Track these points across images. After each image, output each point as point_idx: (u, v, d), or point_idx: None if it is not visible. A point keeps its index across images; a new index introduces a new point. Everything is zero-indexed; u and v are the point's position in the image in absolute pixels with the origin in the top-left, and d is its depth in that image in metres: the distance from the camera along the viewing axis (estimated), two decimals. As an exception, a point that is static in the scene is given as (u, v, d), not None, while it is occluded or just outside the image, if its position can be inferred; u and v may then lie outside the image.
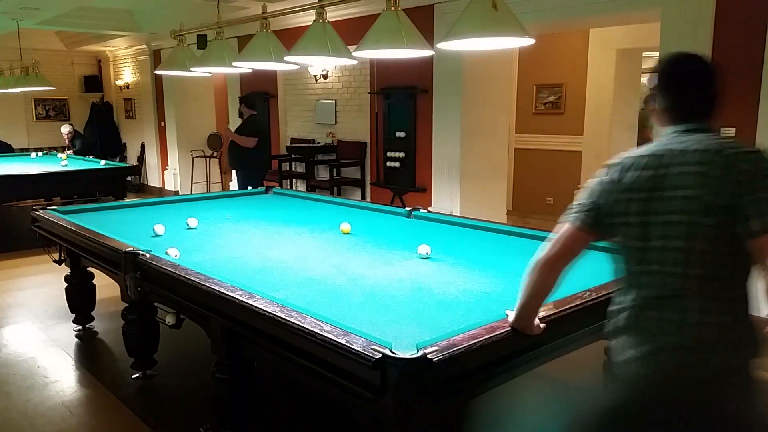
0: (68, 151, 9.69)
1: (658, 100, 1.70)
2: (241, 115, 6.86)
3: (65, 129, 10.17)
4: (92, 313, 4.24)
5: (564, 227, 1.73)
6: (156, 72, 8.19)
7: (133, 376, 3.45)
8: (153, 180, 11.39)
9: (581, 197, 1.73)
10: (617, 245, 1.69)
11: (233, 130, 6.87)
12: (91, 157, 8.48)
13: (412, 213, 4.02)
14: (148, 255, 2.85)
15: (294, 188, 8.09)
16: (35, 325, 4.36)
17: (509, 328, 1.90)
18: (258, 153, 6.73)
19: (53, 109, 11.97)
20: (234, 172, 7.37)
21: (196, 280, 2.45)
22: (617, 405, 1.66)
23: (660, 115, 1.71)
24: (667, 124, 1.68)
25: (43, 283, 5.30)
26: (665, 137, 1.66)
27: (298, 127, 8.45)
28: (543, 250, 1.75)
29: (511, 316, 1.93)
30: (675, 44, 4.39)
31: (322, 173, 7.96)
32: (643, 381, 1.59)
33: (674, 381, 1.55)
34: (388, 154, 6.92)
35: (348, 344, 1.74)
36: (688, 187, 1.52)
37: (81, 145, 10.04)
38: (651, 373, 1.57)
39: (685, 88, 1.66)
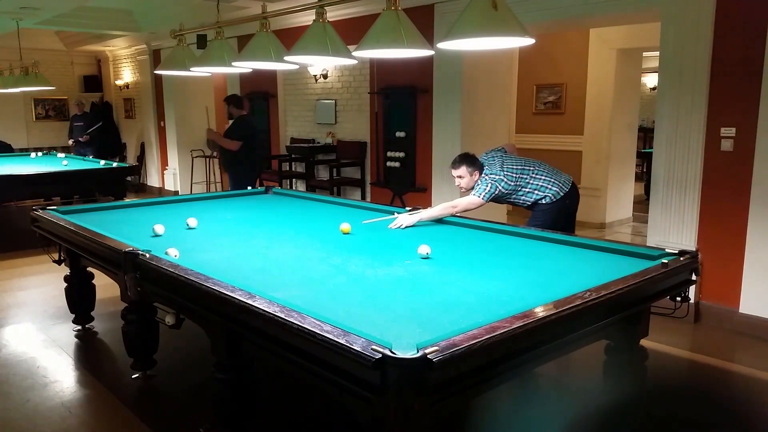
0: (71, 141, 9.76)
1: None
2: (230, 117, 6.64)
3: (77, 101, 10.40)
4: (92, 313, 4.24)
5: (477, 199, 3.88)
6: (156, 72, 8.19)
7: (133, 376, 3.45)
8: (153, 180, 11.39)
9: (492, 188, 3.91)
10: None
11: (222, 133, 6.68)
12: (90, 157, 8.48)
13: (412, 213, 4.01)
14: (148, 255, 2.85)
15: (294, 188, 8.09)
16: (35, 325, 4.36)
17: (510, 328, 1.89)
18: (245, 155, 6.48)
19: (53, 109, 11.98)
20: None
21: (196, 280, 2.45)
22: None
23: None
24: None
25: (43, 283, 5.30)
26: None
27: (298, 127, 8.45)
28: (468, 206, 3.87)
29: (425, 214, 3.76)
30: (675, 44, 4.40)
31: (322, 173, 7.96)
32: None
33: None
34: (388, 154, 6.91)
35: (348, 344, 1.74)
36: None
37: (87, 127, 10.18)
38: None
39: None
